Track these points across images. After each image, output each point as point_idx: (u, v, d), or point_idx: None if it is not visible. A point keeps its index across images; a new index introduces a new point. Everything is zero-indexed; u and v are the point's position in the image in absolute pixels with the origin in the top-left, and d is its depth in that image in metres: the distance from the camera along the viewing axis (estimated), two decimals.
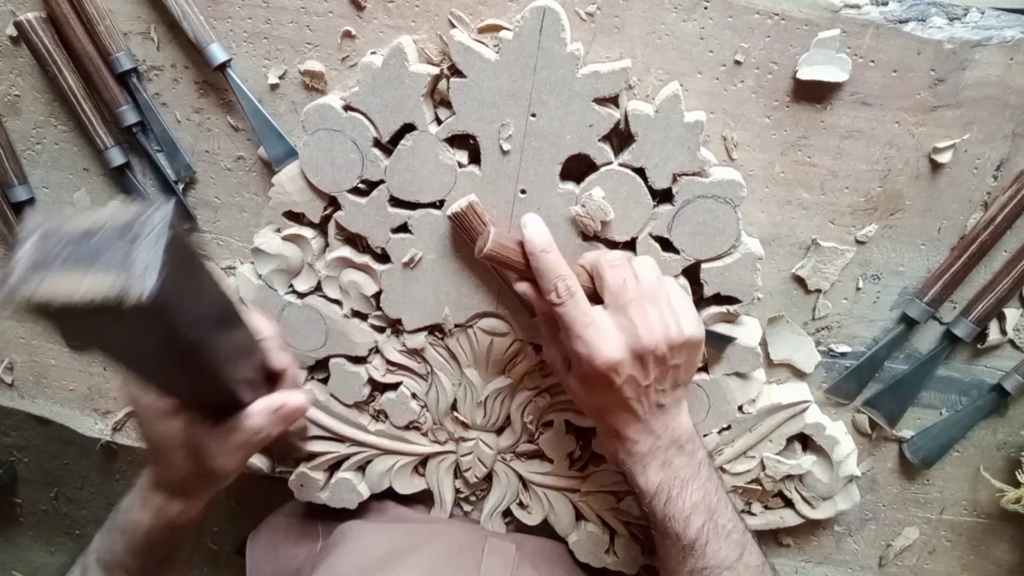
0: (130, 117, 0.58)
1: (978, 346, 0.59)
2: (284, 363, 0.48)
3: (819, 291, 0.58)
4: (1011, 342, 0.58)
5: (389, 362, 0.61)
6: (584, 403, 0.53)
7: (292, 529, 0.69)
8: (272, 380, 0.48)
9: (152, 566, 0.51)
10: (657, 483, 0.50)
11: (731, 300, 0.55)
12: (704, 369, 0.59)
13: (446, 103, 0.52)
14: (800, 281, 0.58)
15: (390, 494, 0.67)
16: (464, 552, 0.60)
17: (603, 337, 0.47)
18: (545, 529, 0.66)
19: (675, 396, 0.51)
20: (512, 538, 0.65)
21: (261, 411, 0.44)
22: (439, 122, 0.53)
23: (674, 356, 0.48)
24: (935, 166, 0.53)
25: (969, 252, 0.55)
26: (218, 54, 0.54)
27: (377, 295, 0.59)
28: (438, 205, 0.55)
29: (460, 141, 0.54)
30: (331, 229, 0.58)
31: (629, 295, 0.48)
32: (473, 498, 0.68)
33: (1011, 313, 0.57)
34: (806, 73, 0.50)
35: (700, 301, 0.56)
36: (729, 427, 0.60)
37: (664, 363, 0.49)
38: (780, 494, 0.63)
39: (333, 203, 0.57)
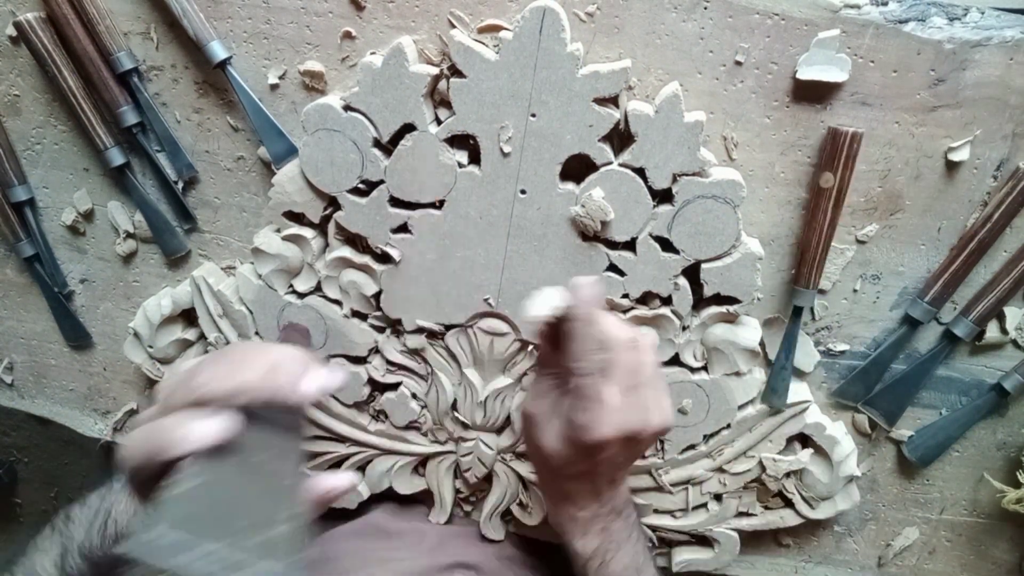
0: (130, 117, 0.58)
1: (976, 343, 0.59)
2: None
3: (819, 291, 0.58)
4: (1014, 342, 0.58)
5: (389, 362, 0.61)
6: (548, 463, 0.50)
7: None
8: None
9: None
10: (594, 548, 0.50)
11: (731, 300, 0.55)
12: (704, 369, 0.59)
13: (446, 103, 0.52)
14: None
15: (390, 494, 0.67)
16: None
17: (607, 414, 0.45)
18: (545, 529, 0.66)
19: (628, 471, 0.51)
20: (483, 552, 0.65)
21: (308, 493, 0.41)
22: (439, 122, 0.53)
23: (652, 440, 0.48)
24: (951, 165, 0.53)
25: (968, 250, 0.55)
26: (218, 51, 0.54)
27: (377, 295, 0.59)
28: (438, 205, 0.55)
29: (460, 141, 0.54)
30: (331, 229, 0.58)
31: (642, 379, 0.46)
32: (473, 498, 0.67)
33: (1012, 312, 0.57)
34: (806, 73, 0.50)
35: (700, 301, 0.56)
36: (729, 427, 0.60)
37: (644, 445, 0.48)
38: (780, 494, 0.63)
39: (333, 203, 0.57)
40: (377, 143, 0.54)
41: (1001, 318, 0.58)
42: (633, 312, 0.56)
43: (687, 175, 0.51)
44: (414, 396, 0.62)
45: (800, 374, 0.61)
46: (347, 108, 0.53)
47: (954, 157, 0.53)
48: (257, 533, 0.31)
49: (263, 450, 0.36)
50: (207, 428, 0.35)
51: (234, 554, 0.30)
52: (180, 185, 0.61)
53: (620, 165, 0.52)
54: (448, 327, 0.59)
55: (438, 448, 0.65)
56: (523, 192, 0.53)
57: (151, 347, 0.63)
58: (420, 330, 0.59)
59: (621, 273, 0.55)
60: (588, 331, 0.46)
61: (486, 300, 0.57)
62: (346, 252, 0.58)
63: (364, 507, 0.67)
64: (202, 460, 0.34)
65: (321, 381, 0.41)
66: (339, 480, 0.43)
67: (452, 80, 0.51)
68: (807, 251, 0.54)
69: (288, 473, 0.36)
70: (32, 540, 0.49)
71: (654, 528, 0.64)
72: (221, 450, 0.35)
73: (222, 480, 0.33)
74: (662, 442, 0.62)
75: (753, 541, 0.66)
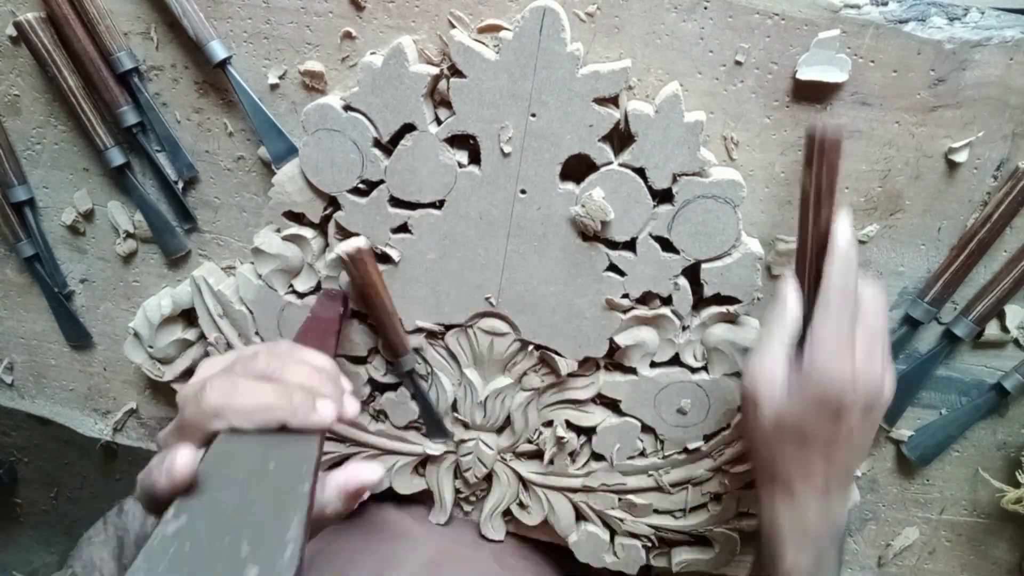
0: (130, 117, 0.58)
1: (979, 340, 0.59)
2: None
3: None
4: (1015, 341, 0.58)
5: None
6: (782, 431, 0.45)
7: None
8: None
9: None
10: (806, 567, 0.47)
11: (731, 300, 0.55)
12: (704, 369, 0.59)
13: (446, 103, 0.52)
14: None
15: (390, 494, 0.67)
16: None
17: (852, 367, 0.43)
18: (545, 529, 0.66)
19: (851, 476, 0.47)
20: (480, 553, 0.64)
21: (332, 489, 0.39)
22: (439, 122, 0.53)
23: (882, 411, 0.46)
24: (951, 165, 0.53)
25: (968, 250, 0.55)
26: (218, 51, 0.54)
27: None
28: (438, 205, 0.55)
29: (460, 141, 0.54)
30: (331, 229, 0.58)
31: (881, 345, 0.45)
32: (473, 498, 0.67)
33: (1012, 311, 0.57)
34: (806, 73, 0.50)
35: (700, 301, 0.56)
36: (729, 427, 0.60)
37: (876, 417, 0.46)
38: None
39: (333, 203, 0.57)
40: (377, 143, 0.54)
41: (1001, 317, 0.58)
42: (633, 312, 0.56)
43: (687, 175, 0.51)
44: (414, 396, 0.62)
45: None
46: (347, 108, 0.53)
47: (954, 157, 0.53)
48: (256, 563, 0.29)
49: (267, 462, 0.35)
50: (177, 466, 0.32)
51: None
52: (180, 185, 0.61)
53: (620, 165, 0.52)
54: (448, 327, 0.59)
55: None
56: (523, 192, 0.54)
57: (151, 347, 0.63)
58: (419, 330, 0.59)
59: (621, 273, 0.55)
60: (847, 279, 0.44)
61: (487, 299, 0.57)
62: None
63: (364, 507, 0.67)
64: (185, 499, 0.32)
65: (335, 411, 0.38)
66: (370, 473, 0.40)
67: (452, 80, 0.51)
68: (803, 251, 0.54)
69: (295, 484, 0.34)
70: (83, 534, 0.48)
71: (654, 528, 0.64)
72: (205, 482, 0.33)
73: (210, 515, 0.32)
74: (662, 442, 0.62)
75: (753, 541, 0.66)
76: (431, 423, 0.63)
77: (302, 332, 0.51)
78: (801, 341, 0.47)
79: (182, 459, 0.32)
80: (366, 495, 0.40)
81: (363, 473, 0.40)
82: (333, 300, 0.57)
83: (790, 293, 0.48)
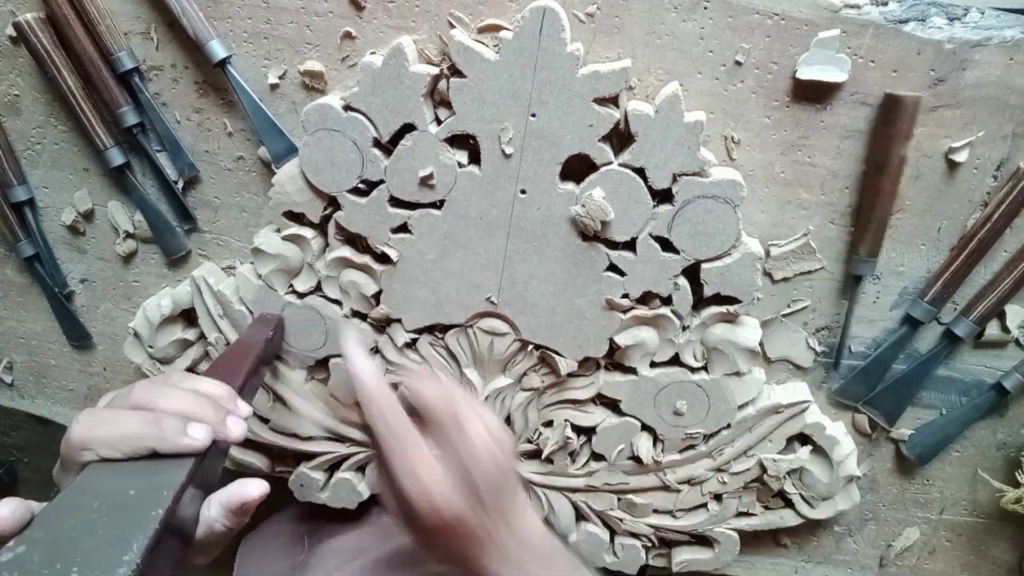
0: (131, 118, 0.58)
1: (979, 339, 0.59)
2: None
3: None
4: (1016, 340, 0.58)
5: (389, 362, 0.61)
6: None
7: (281, 538, 0.69)
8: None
9: None
10: None
11: (731, 300, 0.55)
12: (704, 369, 0.59)
13: (446, 103, 0.52)
14: None
15: None
16: None
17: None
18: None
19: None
20: None
21: (217, 507, 0.39)
22: (439, 122, 0.53)
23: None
24: (951, 165, 0.53)
25: (968, 250, 0.55)
26: (218, 50, 0.54)
27: (377, 295, 0.59)
28: (438, 205, 0.55)
29: (460, 141, 0.54)
30: (331, 229, 0.58)
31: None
32: None
33: (1013, 310, 0.57)
34: (806, 73, 0.50)
35: (700, 301, 0.56)
36: (729, 427, 0.60)
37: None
38: (780, 494, 0.63)
39: (333, 203, 0.57)
40: (377, 143, 0.54)
41: (1002, 317, 0.58)
42: (633, 312, 0.56)
43: (687, 175, 0.51)
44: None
45: (799, 370, 0.61)
46: (347, 108, 0.53)
47: (954, 157, 0.53)
48: None
49: (127, 489, 0.34)
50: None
51: None
52: (180, 185, 0.61)
53: (620, 165, 0.52)
54: (448, 327, 0.59)
55: None
56: (523, 192, 0.53)
57: (151, 347, 0.63)
58: (420, 330, 0.59)
59: (621, 273, 0.55)
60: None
61: (488, 299, 0.57)
62: (346, 252, 0.58)
63: (364, 507, 0.67)
64: (28, 529, 0.33)
65: (208, 434, 0.38)
66: (253, 489, 0.40)
67: (452, 80, 0.51)
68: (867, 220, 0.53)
69: (149, 508, 0.33)
70: None
71: (654, 528, 0.64)
72: (56, 510, 0.33)
73: (48, 544, 0.31)
74: (662, 442, 0.62)
75: (753, 541, 0.67)
76: None
77: (221, 357, 0.52)
78: None
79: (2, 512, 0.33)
80: (250, 512, 0.40)
81: (245, 489, 0.40)
82: (263, 325, 0.58)
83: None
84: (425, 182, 0.53)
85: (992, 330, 0.58)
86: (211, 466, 0.40)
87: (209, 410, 0.40)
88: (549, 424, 0.62)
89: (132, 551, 0.30)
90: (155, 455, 0.37)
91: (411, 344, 0.61)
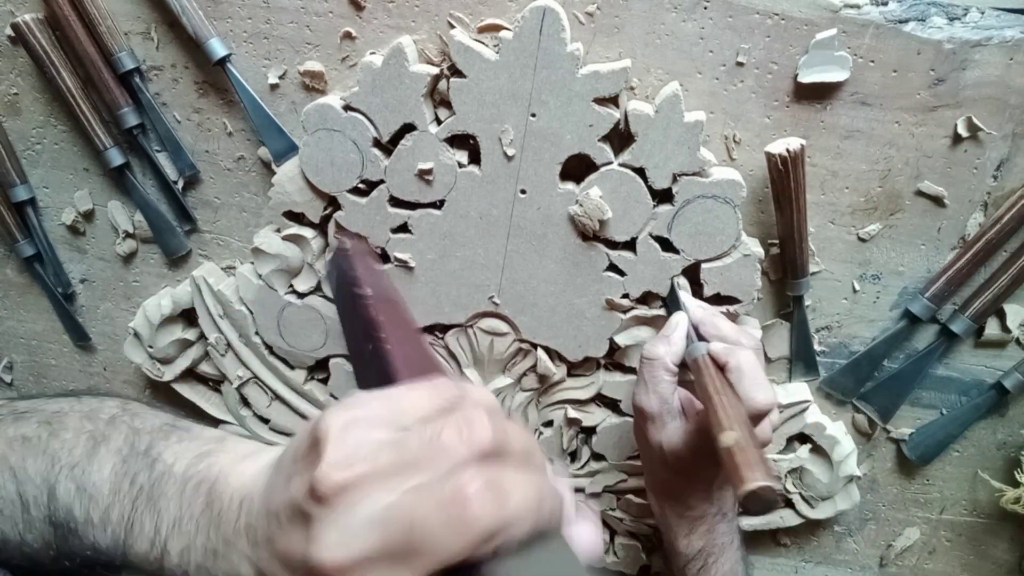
0: (132, 119, 0.58)
1: (978, 339, 0.59)
2: None
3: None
4: (1016, 340, 0.58)
5: None
6: (666, 461, 0.48)
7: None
8: None
9: None
10: (698, 549, 0.49)
11: (731, 300, 0.55)
12: None
13: (446, 103, 0.52)
14: None
15: None
16: None
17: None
18: None
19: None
20: None
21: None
22: (439, 122, 0.53)
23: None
24: (951, 165, 0.53)
25: (974, 251, 0.55)
26: (218, 49, 0.54)
27: None
28: (438, 205, 0.55)
29: (460, 141, 0.54)
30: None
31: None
32: None
33: (1013, 309, 0.57)
34: (807, 77, 0.50)
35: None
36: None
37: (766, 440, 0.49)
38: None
39: (333, 203, 0.57)
40: (377, 143, 0.54)
41: (1002, 316, 0.58)
42: (633, 312, 0.56)
43: (687, 175, 0.51)
44: None
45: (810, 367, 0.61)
46: (347, 108, 0.53)
47: (954, 157, 0.53)
48: None
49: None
50: None
51: None
52: (180, 185, 0.61)
53: (620, 165, 0.52)
54: (448, 327, 0.59)
55: None
56: (523, 192, 0.53)
57: (151, 347, 0.63)
58: (424, 329, 0.59)
59: (621, 273, 0.55)
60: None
61: (491, 298, 0.57)
62: None
63: None
64: None
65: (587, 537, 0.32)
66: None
67: (452, 80, 0.51)
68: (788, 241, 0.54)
69: None
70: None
71: (654, 528, 0.64)
72: None
73: None
74: None
75: (753, 541, 0.66)
76: None
77: (387, 330, 0.35)
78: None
79: None
80: None
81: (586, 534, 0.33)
82: (364, 257, 0.41)
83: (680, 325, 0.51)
84: (423, 176, 0.53)
85: (992, 329, 0.58)
86: None
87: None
88: (549, 424, 0.62)
89: None
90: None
91: None
